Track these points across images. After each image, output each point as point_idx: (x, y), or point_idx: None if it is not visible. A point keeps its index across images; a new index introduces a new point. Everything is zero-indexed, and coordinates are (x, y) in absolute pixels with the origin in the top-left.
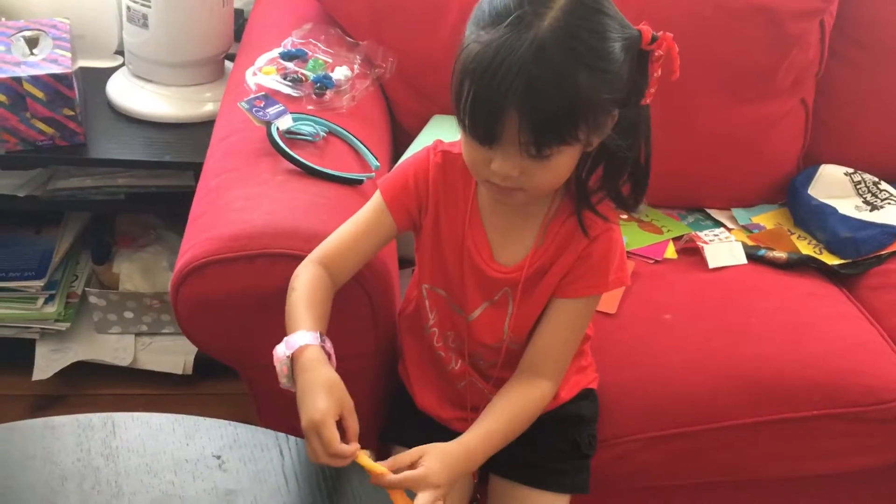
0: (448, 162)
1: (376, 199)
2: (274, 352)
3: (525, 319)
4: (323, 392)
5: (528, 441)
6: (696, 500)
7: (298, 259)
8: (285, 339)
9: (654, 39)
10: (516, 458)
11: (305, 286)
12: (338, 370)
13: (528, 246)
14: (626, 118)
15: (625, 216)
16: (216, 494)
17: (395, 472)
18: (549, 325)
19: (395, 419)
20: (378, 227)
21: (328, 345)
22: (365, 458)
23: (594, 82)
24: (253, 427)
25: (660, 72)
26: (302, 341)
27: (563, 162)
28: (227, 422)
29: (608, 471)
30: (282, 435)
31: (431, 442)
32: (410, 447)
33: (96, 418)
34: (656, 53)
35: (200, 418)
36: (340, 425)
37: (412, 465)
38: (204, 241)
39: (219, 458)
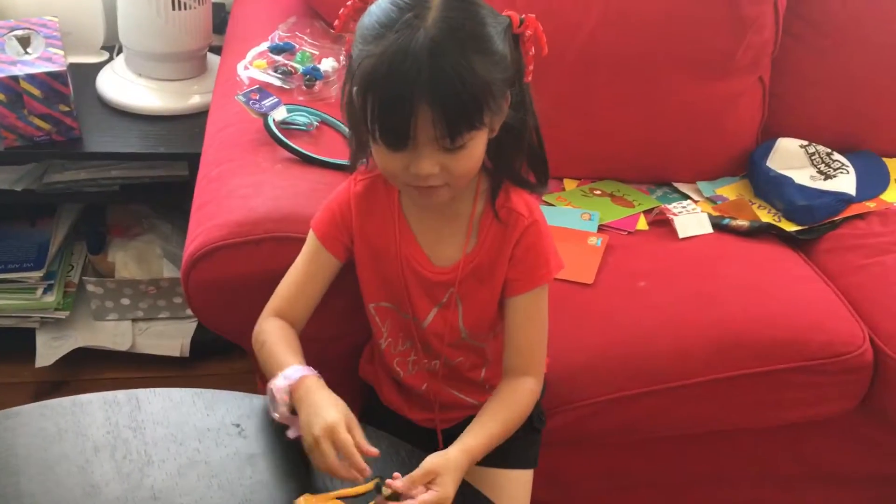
0: (368, 187)
1: (311, 240)
2: (270, 385)
3: (480, 315)
4: (331, 407)
5: None
6: (674, 450)
7: (302, 241)
8: (281, 373)
9: (521, 22)
10: None
11: (274, 334)
12: (331, 351)
13: (460, 245)
14: (515, 97)
15: (598, 191)
16: (239, 458)
17: (411, 492)
18: (513, 326)
19: (365, 413)
20: (320, 267)
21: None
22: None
23: (487, 66)
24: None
25: (533, 50)
26: (299, 373)
27: (477, 148)
28: (243, 394)
29: (589, 428)
30: None
31: (400, 435)
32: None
33: (121, 395)
34: (527, 34)
35: (218, 391)
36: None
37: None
38: (211, 228)
39: (238, 426)
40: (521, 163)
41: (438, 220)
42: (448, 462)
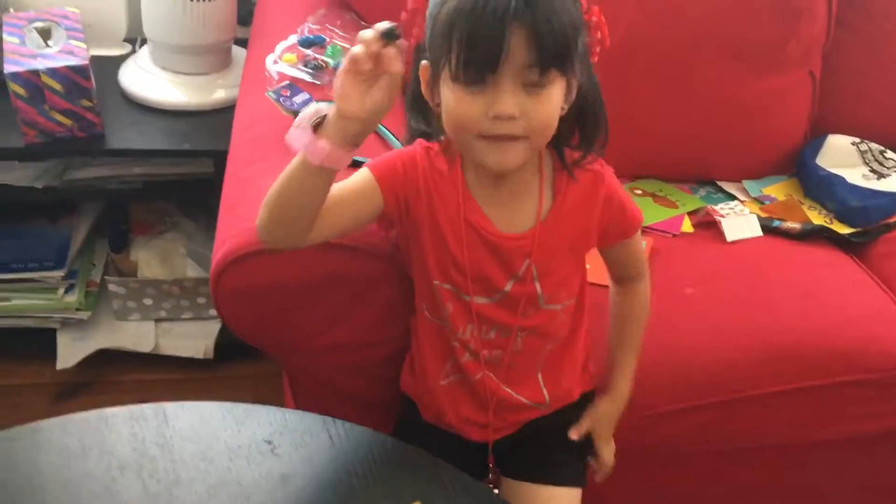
0: (433, 155)
1: (364, 175)
2: (288, 139)
3: (560, 283)
4: None
5: (534, 439)
6: (722, 464)
7: (336, 247)
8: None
9: (587, 10)
10: (525, 457)
11: None
12: (366, 358)
13: (532, 213)
14: (586, 72)
15: (639, 191)
16: (271, 479)
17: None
18: (616, 264)
19: (403, 430)
20: (364, 198)
21: None
22: None
23: (576, 11)
24: (301, 413)
25: (599, 35)
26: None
27: (556, 96)
28: (275, 408)
29: (636, 441)
30: (328, 419)
31: (443, 454)
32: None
33: (148, 409)
34: (592, 20)
35: (249, 405)
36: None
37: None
38: (242, 232)
39: (270, 443)
40: (598, 136)
41: (506, 196)
42: (596, 419)
